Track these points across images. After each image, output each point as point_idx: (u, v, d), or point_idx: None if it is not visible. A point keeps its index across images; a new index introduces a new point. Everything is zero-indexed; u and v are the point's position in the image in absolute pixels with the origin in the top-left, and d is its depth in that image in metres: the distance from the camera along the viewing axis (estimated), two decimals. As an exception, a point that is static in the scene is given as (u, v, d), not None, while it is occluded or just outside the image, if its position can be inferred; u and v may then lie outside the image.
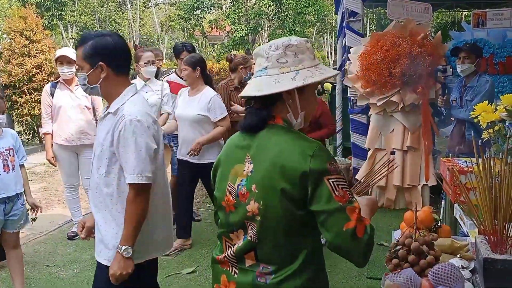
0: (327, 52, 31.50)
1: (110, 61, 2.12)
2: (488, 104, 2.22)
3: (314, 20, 24.55)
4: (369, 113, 5.68)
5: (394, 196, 5.49)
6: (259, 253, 1.50)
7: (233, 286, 1.56)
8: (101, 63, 2.10)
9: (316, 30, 28.97)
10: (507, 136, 1.91)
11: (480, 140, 2.52)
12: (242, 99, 4.78)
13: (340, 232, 1.39)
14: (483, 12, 5.41)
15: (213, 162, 1.72)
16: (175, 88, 4.86)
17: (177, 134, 4.99)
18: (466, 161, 1.97)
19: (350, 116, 5.99)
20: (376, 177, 1.90)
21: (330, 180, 1.40)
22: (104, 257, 2.17)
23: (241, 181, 1.53)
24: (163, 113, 4.63)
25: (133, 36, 34.01)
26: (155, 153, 2.14)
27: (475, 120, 2.24)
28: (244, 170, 1.52)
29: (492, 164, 1.81)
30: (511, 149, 1.87)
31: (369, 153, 5.63)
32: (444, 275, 1.54)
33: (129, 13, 34.36)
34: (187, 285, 3.81)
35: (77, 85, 4.24)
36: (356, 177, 5.92)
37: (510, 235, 1.81)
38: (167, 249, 2.44)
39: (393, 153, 5.49)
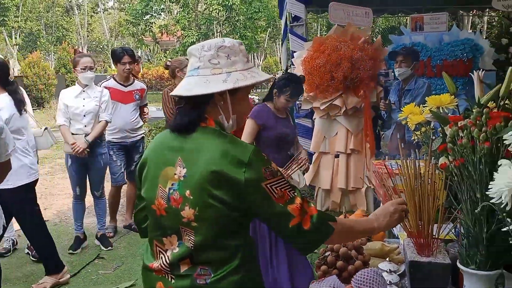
0: (280, 58, 31.77)
1: None
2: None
3: (265, 26, 24.69)
4: (313, 117, 5.70)
5: (339, 199, 5.52)
6: (195, 257, 1.47)
7: None
8: None
9: (268, 36, 29.19)
10: (431, 137, 1.91)
11: (414, 142, 2.54)
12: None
13: (287, 230, 1.42)
14: (421, 16, 5.55)
15: None
16: (113, 94, 4.70)
17: (117, 142, 4.86)
18: (397, 163, 1.95)
19: (296, 121, 5.98)
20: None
21: (268, 185, 1.40)
22: None
23: (172, 185, 1.48)
24: (100, 121, 4.46)
25: (81, 42, 33.17)
26: None
27: (403, 122, 2.24)
28: (175, 174, 1.47)
29: (416, 166, 1.80)
30: (436, 150, 1.86)
31: (314, 156, 5.65)
32: (367, 281, 1.51)
33: (77, 18, 33.51)
34: (126, 300, 3.67)
35: None
36: (303, 181, 5.92)
37: (435, 237, 1.81)
38: None
39: (337, 156, 5.53)
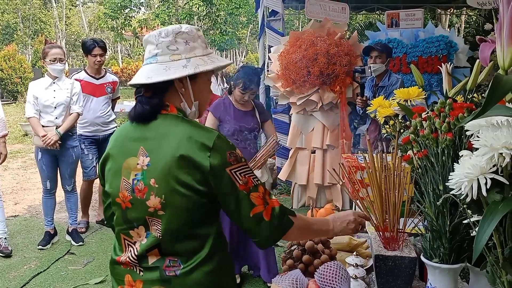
0: (261, 54, 31.72)
1: None
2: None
3: (246, 22, 24.60)
4: (290, 113, 5.68)
5: (315, 195, 5.51)
6: (164, 248, 1.44)
7: (140, 284, 1.47)
8: None
9: (249, 32, 29.11)
10: (398, 130, 1.89)
11: (384, 136, 2.52)
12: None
13: (248, 218, 1.41)
14: (396, 12, 5.57)
15: None
16: (85, 87, 4.60)
17: (88, 136, 4.76)
18: (365, 157, 1.93)
19: (273, 116, 5.97)
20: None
21: (232, 171, 1.39)
22: None
23: (135, 175, 1.44)
24: (72, 113, 4.36)
25: (59, 36, 32.63)
26: None
27: (372, 116, 2.22)
28: (138, 164, 1.44)
29: (382, 159, 1.79)
30: (402, 145, 1.84)
31: (291, 152, 5.63)
32: (329, 275, 1.48)
33: (55, 11, 32.93)
34: (96, 296, 3.60)
35: None
36: (279, 176, 5.91)
37: (401, 231, 1.80)
38: None
39: (313, 152, 5.52)
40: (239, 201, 1.40)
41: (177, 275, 1.42)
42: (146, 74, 1.44)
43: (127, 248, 1.51)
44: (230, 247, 3.50)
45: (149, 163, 1.42)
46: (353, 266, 1.87)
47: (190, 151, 1.38)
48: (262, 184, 1.44)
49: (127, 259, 1.49)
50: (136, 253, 1.47)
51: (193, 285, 1.42)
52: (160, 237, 1.43)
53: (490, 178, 1.08)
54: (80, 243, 4.54)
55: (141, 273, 1.47)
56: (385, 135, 2.37)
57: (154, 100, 1.46)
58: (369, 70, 4.58)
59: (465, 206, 1.19)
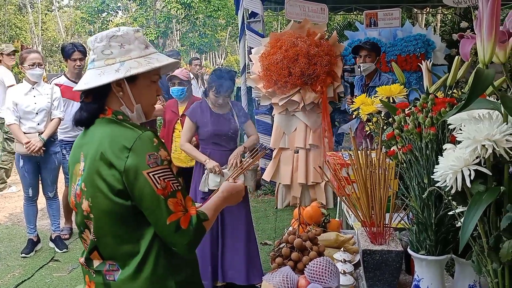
0: (240, 56, 31.74)
1: None
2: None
3: (225, 24, 24.59)
4: (273, 113, 5.71)
5: (300, 194, 5.55)
6: (101, 250, 1.46)
7: (93, 285, 1.51)
8: None
9: (228, 34, 29.10)
10: (381, 127, 1.93)
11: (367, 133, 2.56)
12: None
13: (164, 226, 1.37)
14: (374, 12, 5.64)
15: None
16: (65, 92, 4.56)
17: (70, 141, 4.71)
18: (350, 154, 1.96)
19: (256, 117, 5.99)
20: (248, 165, 1.89)
21: (150, 174, 1.36)
22: None
23: (78, 180, 1.48)
24: (53, 118, 4.32)
25: (35, 41, 32.14)
26: None
27: (355, 113, 2.26)
28: (80, 170, 1.48)
29: (367, 156, 1.82)
30: (386, 140, 1.88)
31: (274, 152, 5.66)
32: (319, 270, 1.50)
33: (30, 16, 32.43)
34: (82, 302, 3.56)
35: None
36: (263, 177, 5.93)
37: (388, 226, 1.83)
38: None
39: (297, 151, 5.56)
40: (155, 205, 1.36)
41: (115, 280, 1.43)
42: (85, 80, 1.46)
43: (85, 250, 1.56)
44: (212, 255, 3.48)
45: (83, 167, 1.45)
46: (341, 261, 1.90)
47: (108, 150, 1.38)
48: (181, 190, 1.41)
49: (83, 261, 1.53)
50: (84, 255, 1.52)
51: None
52: (95, 240, 1.45)
53: (474, 170, 1.11)
54: (64, 249, 4.49)
55: (94, 275, 1.50)
56: (368, 132, 2.41)
57: (93, 105, 1.48)
58: (359, 69, 4.56)
59: (450, 198, 1.23)
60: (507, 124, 1.08)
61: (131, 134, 1.39)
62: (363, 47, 4.55)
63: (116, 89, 1.46)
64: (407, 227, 1.76)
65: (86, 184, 1.41)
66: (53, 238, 4.59)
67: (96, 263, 1.48)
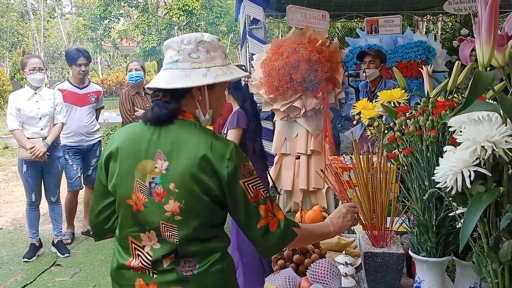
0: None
1: None
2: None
3: (227, 31, 24.67)
4: (274, 119, 5.73)
5: (301, 200, 5.56)
6: (179, 251, 1.46)
7: (154, 286, 1.48)
8: None
9: (230, 41, 29.18)
10: (382, 131, 1.95)
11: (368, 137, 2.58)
12: (147, 105, 4.67)
13: (255, 229, 1.45)
14: (375, 19, 5.68)
15: None
16: (68, 97, 4.60)
17: (72, 146, 4.74)
18: (350, 158, 1.98)
19: (257, 123, 6.00)
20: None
21: (245, 183, 1.43)
22: None
23: (153, 178, 1.44)
24: (56, 123, 4.34)
25: (37, 48, 32.30)
26: None
27: (357, 117, 2.28)
28: (156, 167, 1.44)
29: (368, 159, 1.84)
30: (387, 144, 1.90)
31: (276, 158, 5.67)
32: (321, 272, 1.52)
33: (33, 23, 32.61)
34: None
35: None
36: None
37: (389, 229, 1.85)
38: None
39: (298, 157, 5.57)
40: (248, 212, 1.44)
41: (194, 274, 1.45)
42: (166, 80, 1.46)
43: (134, 252, 1.50)
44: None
45: (168, 167, 1.43)
46: (343, 264, 1.92)
47: (211, 157, 1.41)
48: (269, 197, 1.48)
49: (140, 264, 1.48)
50: (150, 258, 1.47)
51: (210, 283, 1.46)
52: (177, 242, 1.44)
53: (474, 171, 1.13)
54: (66, 254, 4.50)
55: (155, 276, 1.47)
56: (369, 137, 2.43)
57: (171, 105, 1.48)
58: (364, 75, 4.57)
59: (450, 199, 1.25)
60: (506, 125, 1.10)
61: (225, 144, 1.44)
62: (368, 53, 4.57)
63: (196, 92, 1.49)
64: (408, 230, 1.78)
65: (177, 185, 1.42)
66: (55, 242, 4.60)
67: (166, 262, 1.47)
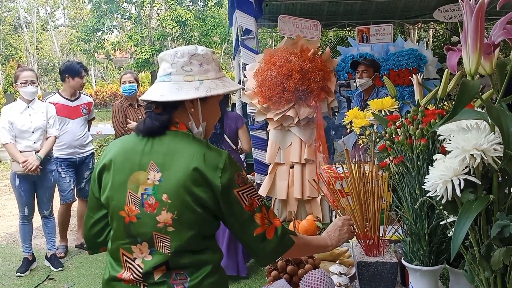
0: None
1: None
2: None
3: (220, 41, 24.75)
4: (268, 129, 5.73)
5: (295, 209, 5.55)
6: (171, 263, 1.44)
7: None
8: None
9: (223, 52, 29.27)
10: (374, 140, 1.95)
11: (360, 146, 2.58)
12: (140, 117, 4.67)
13: (251, 238, 1.45)
14: (367, 28, 5.71)
15: None
16: (60, 110, 4.58)
17: (65, 159, 4.71)
18: (342, 167, 1.98)
19: (251, 133, 6.00)
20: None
21: (240, 192, 1.43)
22: None
23: (145, 189, 1.44)
24: (49, 136, 4.32)
25: (31, 60, 32.24)
26: None
27: (348, 126, 2.28)
28: (148, 178, 1.44)
29: (360, 168, 1.84)
30: (379, 153, 1.90)
31: (270, 167, 5.67)
32: (314, 283, 1.51)
33: (25, 36, 32.58)
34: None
35: None
36: (259, 193, 5.92)
37: (382, 238, 1.84)
38: None
39: (292, 166, 5.57)
40: (243, 221, 1.44)
41: (185, 287, 1.44)
42: (159, 92, 1.46)
43: (125, 264, 1.49)
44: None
45: (160, 178, 1.43)
46: (337, 274, 1.91)
47: (204, 168, 1.40)
48: (265, 205, 1.48)
49: (131, 276, 1.47)
50: (140, 270, 1.46)
51: None
52: (169, 254, 1.43)
53: (463, 179, 1.13)
54: (60, 268, 4.46)
55: None
56: (361, 145, 2.44)
57: (163, 117, 1.49)
58: (355, 84, 4.56)
59: (441, 207, 1.24)
60: (494, 133, 1.10)
61: (218, 154, 1.44)
62: (361, 62, 4.60)
63: (188, 105, 1.49)
64: (401, 238, 1.78)
65: (170, 196, 1.41)
66: (48, 256, 4.55)
67: (157, 275, 1.45)
